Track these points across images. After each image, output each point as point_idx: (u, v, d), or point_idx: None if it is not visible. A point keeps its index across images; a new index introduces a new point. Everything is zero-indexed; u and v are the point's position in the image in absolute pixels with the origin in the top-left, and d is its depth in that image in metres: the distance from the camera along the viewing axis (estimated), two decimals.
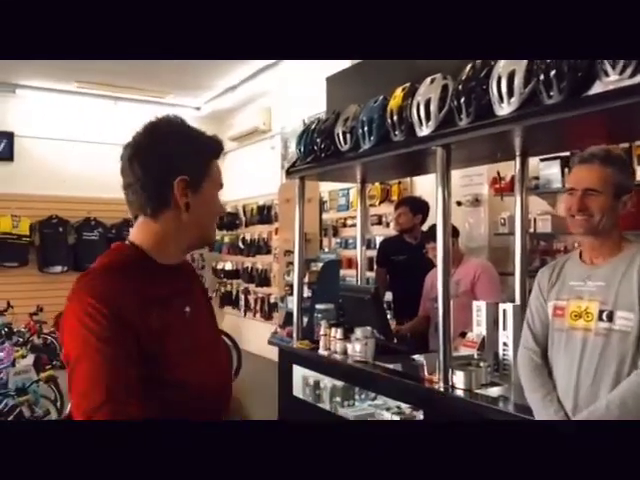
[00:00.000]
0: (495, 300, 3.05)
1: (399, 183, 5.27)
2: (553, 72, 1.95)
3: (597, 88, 1.86)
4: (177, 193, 1.15)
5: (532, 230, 4.12)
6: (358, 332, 2.98)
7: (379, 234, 5.38)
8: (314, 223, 4.82)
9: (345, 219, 5.93)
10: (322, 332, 3.26)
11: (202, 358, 1.18)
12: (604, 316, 1.69)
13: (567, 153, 3.63)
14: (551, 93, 1.98)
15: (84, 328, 1.03)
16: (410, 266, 3.97)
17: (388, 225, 5.42)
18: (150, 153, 1.16)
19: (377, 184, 5.36)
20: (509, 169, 4.19)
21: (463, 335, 2.83)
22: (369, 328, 2.99)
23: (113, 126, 7.55)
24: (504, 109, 2.17)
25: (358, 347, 2.98)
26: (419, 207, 3.99)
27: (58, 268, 7.67)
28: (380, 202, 5.33)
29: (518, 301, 2.69)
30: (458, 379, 2.45)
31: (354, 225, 5.79)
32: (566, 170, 3.69)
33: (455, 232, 3.43)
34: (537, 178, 3.96)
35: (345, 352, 3.13)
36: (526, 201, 2.70)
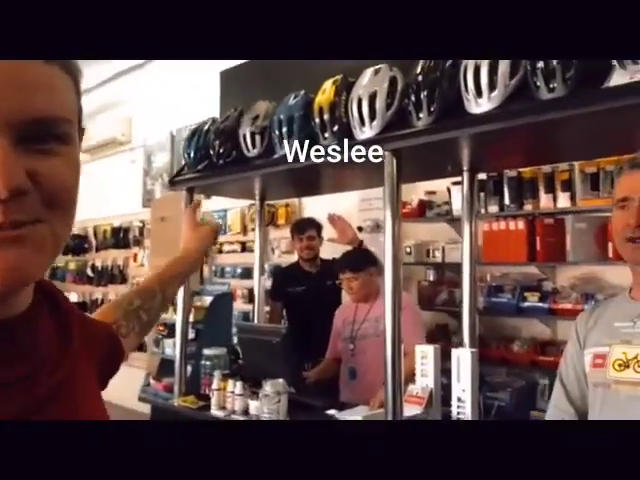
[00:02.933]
0: (420, 340, 2.61)
1: (286, 205, 4.73)
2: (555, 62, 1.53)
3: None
4: None
5: (440, 260, 3.80)
6: (268, 386, 2.33)
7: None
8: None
9: (221, 244, 5.22)
10: (215, 386, 2.57)
11: None
12: None
13: (484, 176, 3.36)
14: (552, 85, 1.56)
15: None
16: (311, 299, 3.41)
17: (273, 251, 4.84)
18: None
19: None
20: (413, 192, 3.86)
21: None
22: (281, 381, 2.36)
23: None
24: (482, 106, 1.72)
25: (267, 406, 2.34)
26: (320, 229, 3.47)
27: None
28: (266, 225, 4.73)
29: (467, 344, 2.23)
30: None
31: (233, 252, 5.14)
32: (482, 195, 3.41)
33: (374, 261, 2.95)
34: (447, 203, 3.65)
35: (246, 412, 2.46)
36: (475, 226, 2.28)
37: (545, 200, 3.23)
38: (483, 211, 3.45)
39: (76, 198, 0.55)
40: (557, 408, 1.46)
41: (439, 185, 3.64)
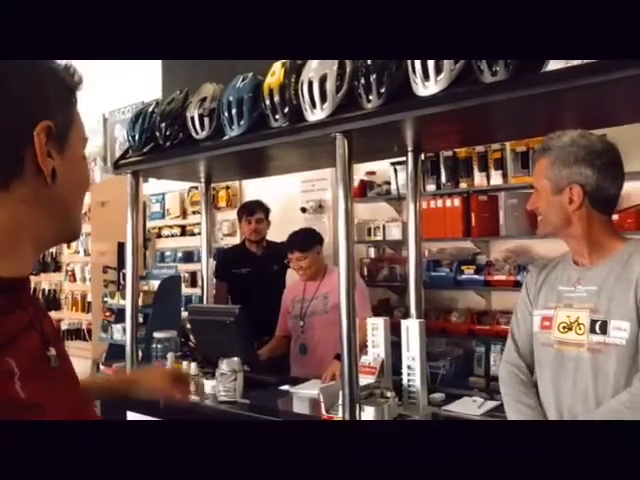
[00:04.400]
0: (367, 314, 2.72)
1: (227, 188, 4.71)
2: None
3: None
4: (38, 151, 0.68)
5: (381, 238, 3.93)
6: (224, 365, 2.38)
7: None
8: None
9: (160, 229, 5.15)
10: (169, 368, 2.58)
11: None
12: (597, 327, 1.41)
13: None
14: (495, 69, 1.67)
15: None
16: (256, 279, 3.45)
17: (214, 234, 4.82)
18: None
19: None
20: (355, 172, 3.95)
21: (339, 357, 2.42)
22: (237, 359, 2.41)
23: None
24: (429, 88, 1.82)
25: (223, 384, 2.38)
26: (268, 212, 3.50)
27: None
28: None
29: (414, 316, 2.36)
30: (367, 416, 2.02)
31: (171, 236, 5.09)
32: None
33: (320, 239, 3.03)
34: (388, 183, 3.77)
35: (202, 392, 2.50)
36: (419, 204, 2.40)
37: (479, 178, 3.41)
38: (421, 190, 3.58)
39: None
40: (509, 363, 1.60)
41: (379, 165, 3.76)
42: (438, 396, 2.32)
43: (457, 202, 3.47)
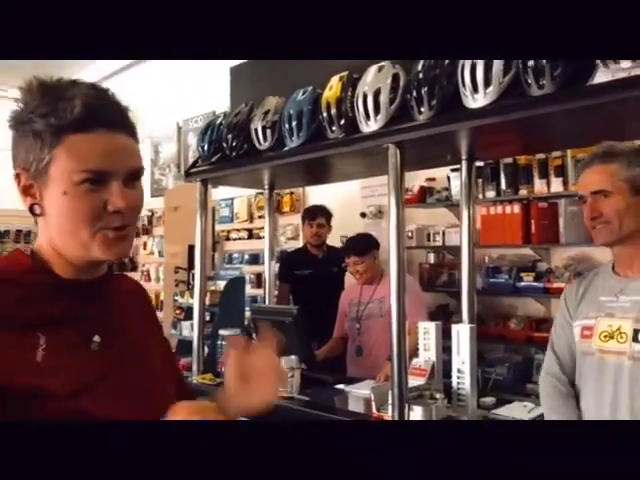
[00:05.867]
0: (422, 319, 2.78)
1: (291, 193, 4.89)
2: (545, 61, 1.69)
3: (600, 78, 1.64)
4: (19, 193, 0.87)
5: (440, 243, 3.97)
6: (282, 362, 2.51)
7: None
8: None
9: (229, 232, 5.39)
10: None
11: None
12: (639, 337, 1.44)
13: (481, 164, 3.52)
14: (542, 82, 1.72)
15: None
16: (317, 281, 3.60)
17: (279, 238, 5.01)
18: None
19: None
20: (415, 179, 4.02)
21: None
22: (294, 357, 2.55)
23: None
24: (478, 101, 1.89)
25: None
26: (330, 218, 3.64)
27: None
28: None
29: (466, 321, 2.41)
30: (416, 415, 2.10)
31: (239, 239, 5.31)
32: (480, 181, 3.58)
33: (377, 244, 3.12)
34: (447, 189, 3.82)
35: None
36: (473, 211, 2.45)
37: (539, 185, 3.40)
38: (481, 196, 3.62)
39: None
40: (549, 375, 1.64)
41: (439, 172, 3.81)
42: (489, 400, 2.36)
43: (517, 209, 3.47)
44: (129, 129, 0.86)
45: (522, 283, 3.51)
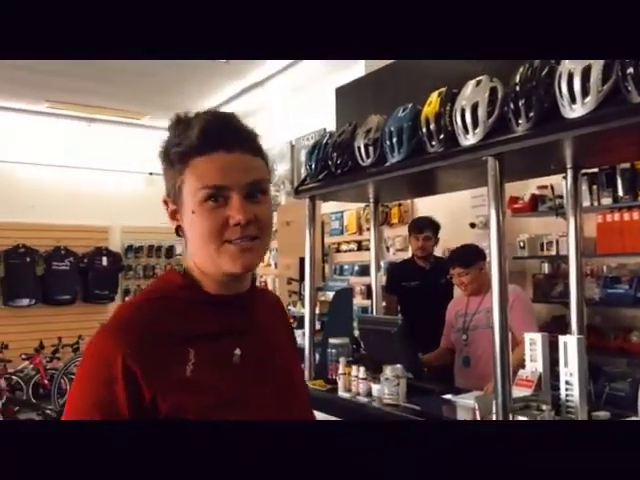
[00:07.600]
0: (531, 330, 2.73)
1: (399, 205, 4.96)
2: None
3: None
4: (168, 218, 0.97)
5: (554, 252, 3.86)
6: (388, 371, 2.61)
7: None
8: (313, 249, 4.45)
9: (339, 244, 5.57)
10: (341, 371, 2.88)
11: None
12: None
13: (596, 170, 3.39)
14: None
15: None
16: (424, 293, 3.63)
17: (388, 249, 5.09)
18: None
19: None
20: (526, 188, 3.94)
21: None
22: (399, 366, 2.62)
23: (86, 148, 7.09)
24: (576, 111, 1.87)
25: (388, 388, 2.61)
26: (437, 230, 3.67)
27: (25, 301, 7.03)
28: (380, 224, 5.00)
29: (575, 332, 2.36)
30: None
31: (349, 251, 5.46)
32: (594, 187, 3.45)
33: (483, 256, 3.11)
34: (561, 197, 3.70)
35: (369, 394, 2.75)
36: (580, 220, 2.40)
37: None
38: (596, 204, 3.48)
39: (272, 226, 0.95)
40: None
41: (551, 180, 3.71)
42: (602, 414, 2.29)
43: (636, 215, 3.30)
44: (246, 147, 0.91)
45: None
